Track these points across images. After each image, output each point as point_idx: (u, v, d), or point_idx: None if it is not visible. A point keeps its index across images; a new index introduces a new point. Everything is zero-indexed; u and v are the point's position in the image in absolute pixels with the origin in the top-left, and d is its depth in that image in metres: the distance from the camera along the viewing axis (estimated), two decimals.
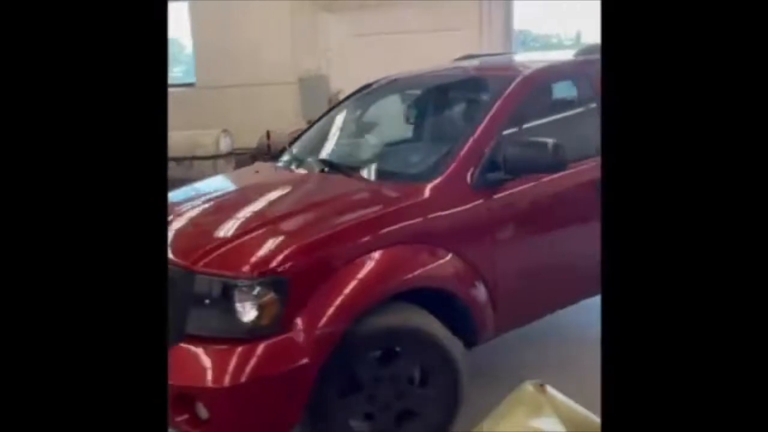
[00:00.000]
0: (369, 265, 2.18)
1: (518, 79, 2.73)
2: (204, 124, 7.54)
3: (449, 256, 2.35)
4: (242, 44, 7.74)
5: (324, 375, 2.03)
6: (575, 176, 2.69)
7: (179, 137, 7.58)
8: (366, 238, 2.21)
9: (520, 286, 2.61)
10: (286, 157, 3.28)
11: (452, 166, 2.46)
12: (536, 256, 2.68)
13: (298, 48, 7.62)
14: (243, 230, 2.21)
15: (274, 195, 2.82)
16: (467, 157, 2.48)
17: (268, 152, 6.04)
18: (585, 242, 2.67)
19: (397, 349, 2.21)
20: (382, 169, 2.84)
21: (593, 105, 2.92)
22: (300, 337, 1.97)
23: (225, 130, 7.33)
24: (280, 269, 1.98)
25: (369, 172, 2.79)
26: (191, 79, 8.41)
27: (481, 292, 2.43)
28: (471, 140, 2.53)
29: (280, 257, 2.00)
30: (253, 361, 1.90)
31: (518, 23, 7.37)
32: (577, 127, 3.07)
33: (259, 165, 3.59)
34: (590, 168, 2.69)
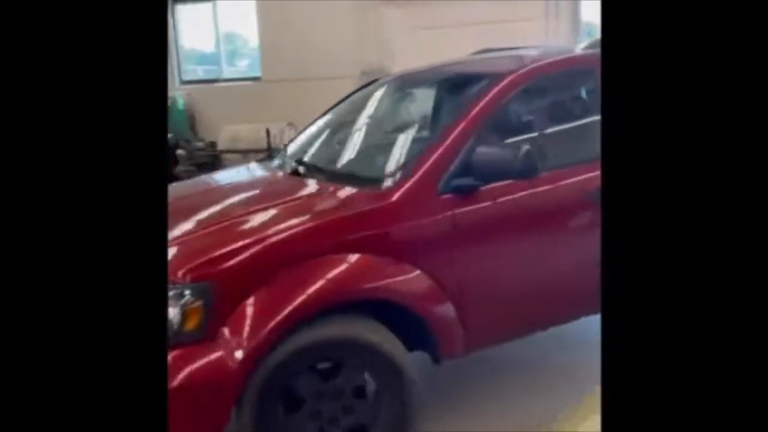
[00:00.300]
0: (308, 274, 2.09)
1: (505, 78, 2.56)
2: (269, 117, 7.70)
3: (408, 268, 2.22)
4: (307, 39, 7.85)
5: (263, 386, 1.99)
6: (563, 189, 2.54)
7: (245, 130, 7.79)
8: (308, 245, 2.14)
9: (495, 303, 2.48)
10: (277, 157, 3.27)
11: (418, 171, 2.32)
12: (514, 272, 2.52)
13: (362, 42, 7.66)
14: (181, 234, 2.21)
15: (228, 197, 2.84)
16: (436, 161, 2.34)
17: None
18: (574, 259, 2.58)
19: (339, 361, 2.14)
20: (350, 171, 2.74)
21: (596, 103, 2.66)
22: (226, 345, 1.94)
23: (290, 123, 7.47)
24: (205, 275, 1.96)
25: (338, 175, 2.71)
26: (256, 73, 8.59)
27: (446, 309, 2.29)
28: (442, 143, 2.39)
29: (208, 263, 1.99)
30: (175, 368, 1.87)
31: (584, 14, 7.20)
32: (575, 129, 2.89)
33: (244, 165, 3.57)
34: (582, 180, 2.54)
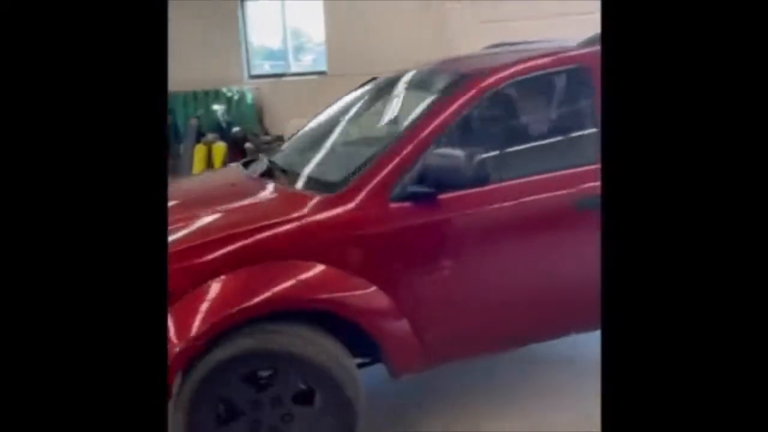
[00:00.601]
0: (248, 280, 2.06)
1: (479, 80, 2.42)
2: None
3: (358, 281, 2.13)
4: (371, 34, 7.95)
5: (196, 393, 1.96)
6: (533, 199, 2.35)
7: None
8: (244, 252, 2.09)
9: (457, 318, 2.32)
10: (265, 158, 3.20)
11: (368, 178, 2.21)
12: (478, 286, 2.36)
13: (426, 37, 7.71)
14: None
15: (186, 200, 2.79)
16: (389, 167, 2.21)
17: None
18: (548, 273, 2.42)
19: (272, 372, 2.07)
20: (312, 175, 2.59)
21: (580, 105, 2.61)
22: None
23: None
24: None
25: (296, 179, 2.58)
26: (322, 68, 8.74)
27: (398, 326, 2.18)
28: (398, 147, 2.27)
29: None
30: None
31: None
32: (550, 136, 2.72)
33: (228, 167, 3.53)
34: (553, 188, 2.37)
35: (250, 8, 9.25)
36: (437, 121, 2.31)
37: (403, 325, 2.20)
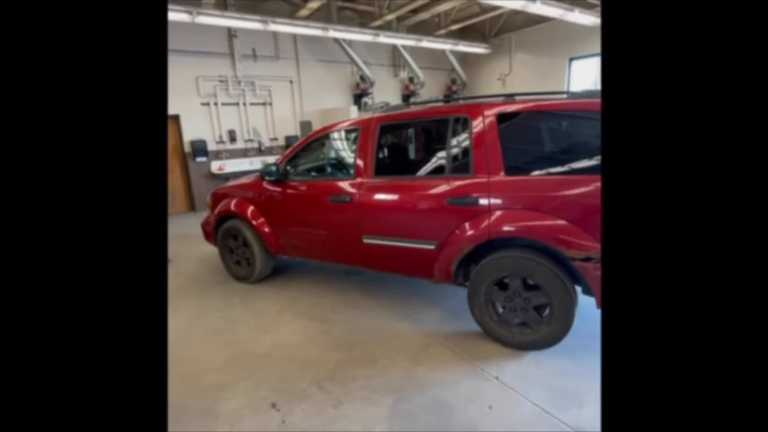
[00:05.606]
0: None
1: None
2: None
3: (258, 213, 4.80)
4: None
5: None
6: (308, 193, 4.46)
7: None
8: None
9: (285, 236, 4.68)
10: None
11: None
12: (290, 226, 4.61)
13: None
14: None
15: None
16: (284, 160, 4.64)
17: None
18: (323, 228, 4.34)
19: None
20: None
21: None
22: None
23: None
24: None
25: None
26: None
27: (267, 232, 4.75)
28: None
29: None
30: None
31: None
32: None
33: None
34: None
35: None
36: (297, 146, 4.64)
37: (270, 233, 4.73)
